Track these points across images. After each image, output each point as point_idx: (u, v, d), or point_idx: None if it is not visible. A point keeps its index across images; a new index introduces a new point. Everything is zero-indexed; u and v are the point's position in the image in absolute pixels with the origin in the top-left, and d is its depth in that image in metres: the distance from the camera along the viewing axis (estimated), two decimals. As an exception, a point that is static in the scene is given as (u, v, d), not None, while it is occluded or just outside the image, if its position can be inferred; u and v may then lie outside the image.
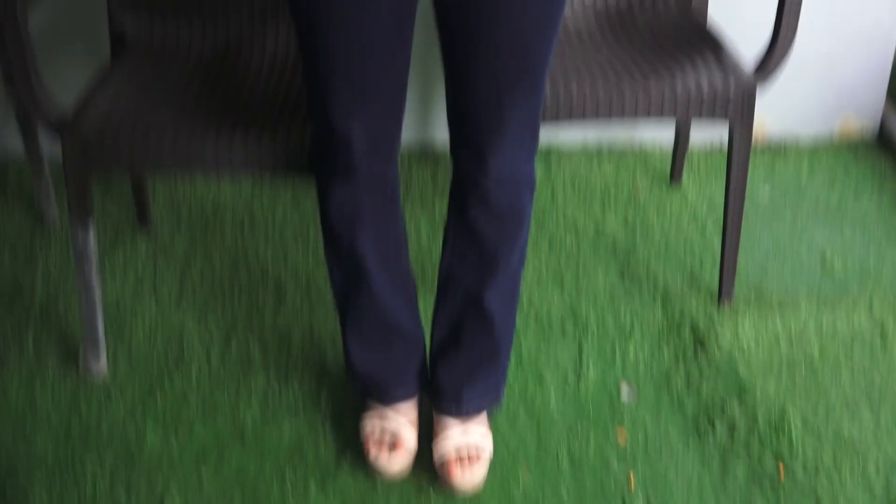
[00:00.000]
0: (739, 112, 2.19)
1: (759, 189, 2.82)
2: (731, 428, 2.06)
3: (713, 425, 2.07)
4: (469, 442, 1.97)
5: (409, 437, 1.98)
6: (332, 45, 1.67)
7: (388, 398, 2.00)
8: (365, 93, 1.73)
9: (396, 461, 1.95)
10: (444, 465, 1.94)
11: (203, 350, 2.26)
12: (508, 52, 1.67)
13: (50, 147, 2.61)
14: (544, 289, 2.43)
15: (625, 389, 2.17)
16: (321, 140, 1.82)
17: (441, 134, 2.94)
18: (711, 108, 2.17)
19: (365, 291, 1.93)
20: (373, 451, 1.96)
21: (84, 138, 2.02)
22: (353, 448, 2.02)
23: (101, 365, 2.20)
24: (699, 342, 2.27)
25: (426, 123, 2.93)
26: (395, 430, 1.97)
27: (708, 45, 2.30)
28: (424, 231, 2.60)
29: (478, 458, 1.96)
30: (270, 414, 2.11)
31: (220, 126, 2.04)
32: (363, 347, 1.98)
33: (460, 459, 1.94)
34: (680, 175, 2.83)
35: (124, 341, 2.28)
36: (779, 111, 2.99)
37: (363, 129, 1.77)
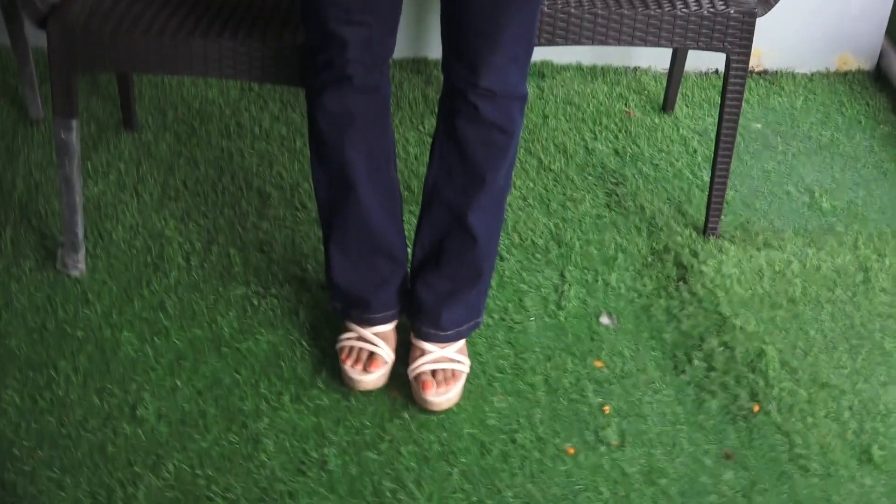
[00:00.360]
0: (738, 42, 2.15)
1: (751, 122, 2.79)
2: (709, 363, 2.06)
3: (691, 359, 2.07)
4: (446, 363, 1.96)
5: (385, 353, 1.97)
6: None
7: (369, 319, 1.98)
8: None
9: (372, 373, 1.95)
10: (419, 378, 1.94)
11: (183, 256, 2.24)
12: None
13: (36, 40, 2.57)
14: (530, 212, 2.41)
15: (605, 319, 2.16)
16: (314, 47, 1.80)
17: (434, 52, 2.90)
18: (709, 39, 2.14)
19: (351, 204, 1.91)
20: (349, 363, 1.95)
21: (69, 33, 1.98)
22: (329, 364, 2.02)
23: (80, 266, 2.18)
24: (682, 273, 2.27)
25: (419, 40, 2.88)
26: (372, 348, 1.96)
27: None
28: (412, 148, 2.57)
29: (455, 376, 1.95)
30: (248, 325, 2.10)
31: (209, 26, 2.00)
32: (347, 260, 1.96)
33: (436, 376, 1.94)
34: (674, 103, 2.80)
35: (104, 243, 2.25)
36: (776, 44, 2.95)
37: (358, 36, 1.75)
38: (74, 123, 2.07)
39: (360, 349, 1.96)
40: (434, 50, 2.89)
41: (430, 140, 1.95)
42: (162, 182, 2.43)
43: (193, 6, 2.06)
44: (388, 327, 2.01)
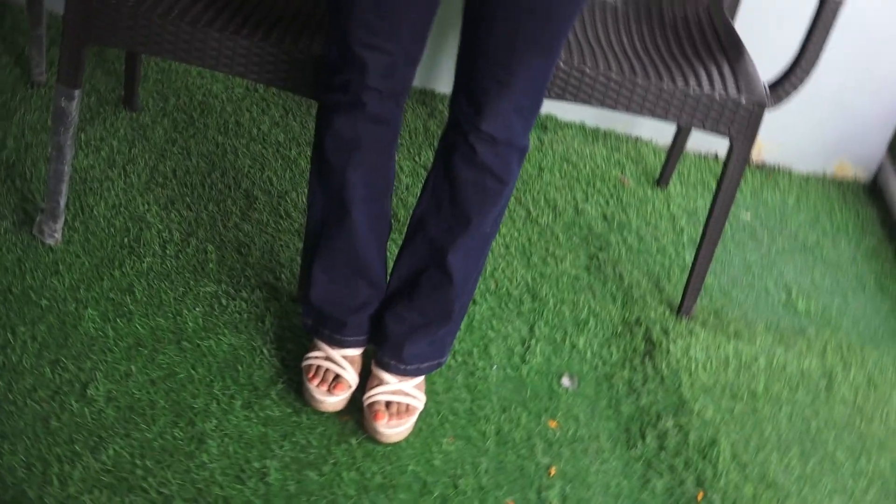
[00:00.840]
0: (744, 130, 2.16)
1: (742, 211, 2.80)
2: (661, 442, 2.06)
3: (644, 436, 2.07)
4: (401, 396, 1.95)
5: (350, 378, 1.96)
6: None
7: (340, 341, 1.97)
8: (389, 24, 1.70)
9: (333, 398, 1.93)
10: (372, 407, 1.93)
11: (160, 244, 2.22)
12: (533, 8, 1.65)
13: (53, 4, 2.56)
14: (510, 261, 2.41)
15: (566, 380, 2.16)
16: (333, 65, 1.79)
17: (441, 86, 2.91)
18: (717, 122, 2.15)
19: (343, 226, 1.90)
20: (312, 384, 1.94)
21: (89, 3, 1.97)
22: (286, 377, 2.00)
23: (56, 235, 2.16)
24: (650, 348, 2.27)
25: (429, 72, 2.89)
26: (338, 370, 1.95)
27: (728, 51, 2.28)
28: (406, 177, 2.57)
29: (408, 411, 1.95)
30: (212, 323, 2.08)
31: (228, 21, 1.99)
32: (328, 280, 1.95)
33: (390, 408, 1.93)
34: (669, 179, 2.81)
35: (83, 217, 2.24)
36: (779, 139, 2.97)
37: (379, 63, 1.74)
38: (77, 93, 2.06)
39: (328, 370, 1.95)
40: (441, 84, 2.90)
41: (423, 172, 1.96)
42: (152, 167, 2.42)
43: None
44: (357, 351, 2.00)
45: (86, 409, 1.86)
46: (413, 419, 1.95)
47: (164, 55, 2.01)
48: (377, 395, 1.94)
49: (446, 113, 1.84)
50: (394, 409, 1.93)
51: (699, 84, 2.15)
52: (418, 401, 1.97)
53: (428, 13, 1.75)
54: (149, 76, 2.71)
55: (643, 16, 2.39)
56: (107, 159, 2.40)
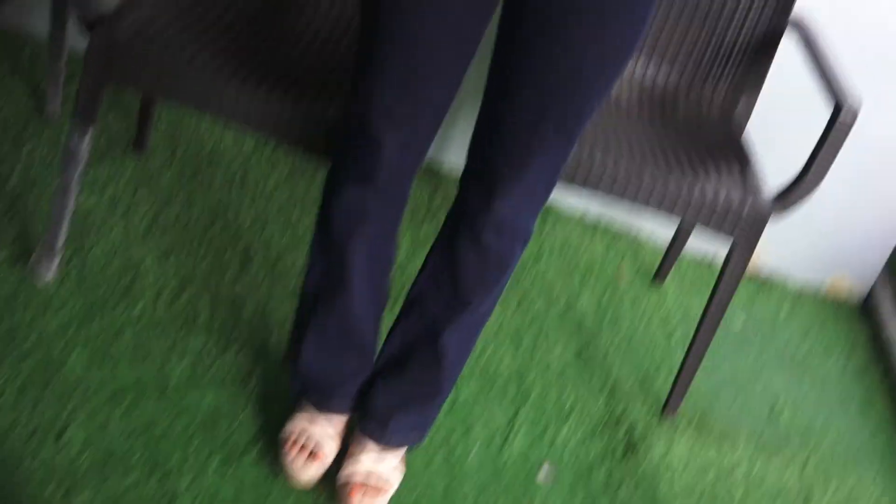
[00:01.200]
0: (746, 234, 2.17)
1: (734, 317, 2.81)
2: (634, 543, 2.05)
3: (617, 535, 2.06)
4: (379, 471, 1.94)
5: (329, 451, 1.95)
6: (396, 36, 1.63)
7: (325, 406, 1.97)
8: (410, 107, 1.70)
9: (310, 470, 1.92)
10: (347, 486, 1.91)
11: (154, 291, 2.22)
12: (557, 95, 1.64)
13: (74, 41, 2.57)
14: (499, 345, 2.41)
15: (545, 469, 2.15)
16: (349, 135, 1.77)
17: (448, 160, 2.92)
18: (721, 222, 2.16)
19: (341, 296, 1.89)
20: (291, 453, 1.92)
21: (112, 44, 1.98)
22: (265, 440, 1.99)
23: (51, 273, 2.16)
24: (631, 446, 2.26)
25: (438, 146, 2.90)
26: (320, 440, 1.94)
27: (737, 157, 2.30)
28: (403, 250, 2.57)
29: (382, 489, 1.93)
30: (197, 378, 2.07)
31: (248, 74, 2.01)
32: (321, 348, 1.94)
33: (364, 485, 1.91)
34: (665, 276, 2.82)
35: (80, 257, 2.24)
36: (777, 249, 2.98)
37: (395, 142, 1.73)
38: (90, 131, 2.06)
39: (309, 437, 1.94)
40: (448, 159, 2.91)
41: (424, 245, 1.95)
42: (154, 213, 2.42)
43: (238, 51, 2.06)
44: (342, 420, 1.99)
45: (61, 454, 1.85)
46: (386, 497, 1.94)
47: (182, 102, 2.02)
48: (354, 468, 1.93)
49: (452, 191, 1.84)
50: (371, 480, 1.92)
51: (707, 183, 2.16)
52: (394, 479, 1.95)
53: (449, 98, 1.74)
54: (161, 119, 2.72)
55: (658, 116, 2.41)
56: (110, 201, 2.41)
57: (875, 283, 3.06)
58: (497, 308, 2.45)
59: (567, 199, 2.95)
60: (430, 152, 2.90)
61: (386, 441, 1.96)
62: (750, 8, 2.44)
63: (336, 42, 2.21)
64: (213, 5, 2.18)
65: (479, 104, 1.74)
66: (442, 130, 2.85)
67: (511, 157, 1.71)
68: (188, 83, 2.00)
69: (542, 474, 2.13)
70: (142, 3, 2.08)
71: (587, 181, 2.15)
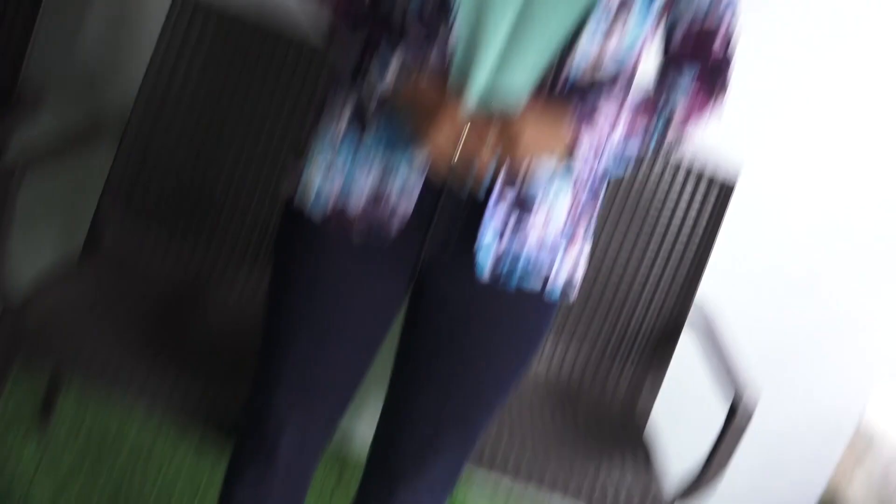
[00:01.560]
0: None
1: None
2: None
3: None
4: None
5: None
6: (298, 333, 1.65)
7: None
8: (314, 394, 1.70)
9: None
10: None
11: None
12: (462, 399, 1.66)
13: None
14: None
15: None
16: (252, 416, 1.75)
17: (356, 442, 2.90)
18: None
19: None
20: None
21: (22, 331, 1.98)
22: None
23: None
24: None
25: (345, 426, 2.88)
26: None
27: (640, 451, 2.31)
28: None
29: None
30: None
31: (156, 357, 2.01)
32: None
33: None
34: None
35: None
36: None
37: (300, 423, 1.72)
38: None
39: None
40: (358, 439, 2.89)
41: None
42: (54, 491, 2.35)
43: (155, 334, 2.08)
44: None
45: None
46: None
47: (89, 382, 2.00)
48: None
49: (355, 484, 1.80)
50: None
51: (609, 473, 2.17)
52: None
53: (354, 386, 1.74)
54: (70, 389, 2.68)
55: (566, 402, 2.44)
56: (8, 481, 2.34)
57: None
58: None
59: (478, 478, 2.93)
60: (336, 438, 2.88)
61: None
62: (652, 298, 2.52)
63: (253, 322, 2.24)
64: (127, 291, 2.21)
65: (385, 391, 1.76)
66: (350, 413, 2.85)
67: (415, 457, 1.72)
68: (95, 367, 1.99)
69: None
70: (54, 289, 2.10)
71: (493, 467, 2.15)
